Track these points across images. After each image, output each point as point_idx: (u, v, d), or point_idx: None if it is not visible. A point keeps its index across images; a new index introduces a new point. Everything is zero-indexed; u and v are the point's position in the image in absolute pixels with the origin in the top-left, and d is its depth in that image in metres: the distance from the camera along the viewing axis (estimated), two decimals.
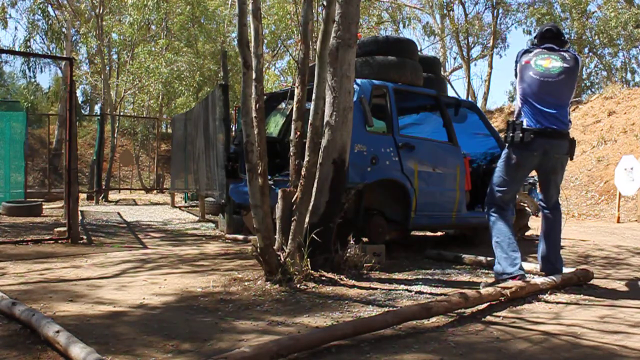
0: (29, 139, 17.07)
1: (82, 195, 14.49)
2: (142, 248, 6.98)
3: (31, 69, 27.06)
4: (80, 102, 30.42)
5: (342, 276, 5.00)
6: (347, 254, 5.34)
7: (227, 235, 7.92)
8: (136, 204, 15.54)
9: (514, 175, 4.90)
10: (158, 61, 21.38)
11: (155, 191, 20.18)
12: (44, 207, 11.48)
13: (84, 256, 6.22)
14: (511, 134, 4.73)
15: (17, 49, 24.60)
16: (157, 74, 21.24)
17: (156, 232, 8.77)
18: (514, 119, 4.82)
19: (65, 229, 7.31)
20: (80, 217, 8.38)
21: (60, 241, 7.15)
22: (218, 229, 8.90)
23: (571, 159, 4.94)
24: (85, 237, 7.46)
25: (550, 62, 4.74)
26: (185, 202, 14.99)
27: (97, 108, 32.76)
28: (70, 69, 7.31)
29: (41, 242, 7.13)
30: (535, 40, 4.98)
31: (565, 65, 4.73)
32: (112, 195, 17.79)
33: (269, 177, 4.94)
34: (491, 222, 4.92)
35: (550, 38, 4.92)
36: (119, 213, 11.70)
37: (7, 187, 12.86)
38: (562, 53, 4.81)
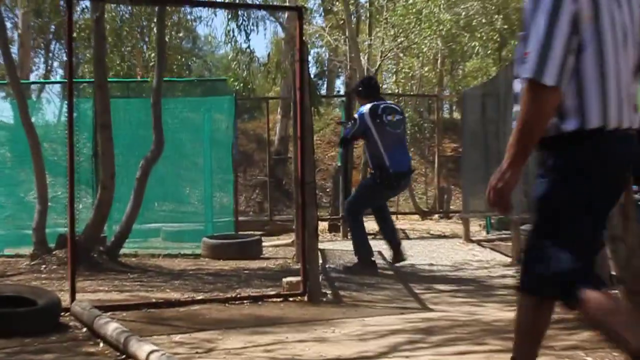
0: (239, 137, 12.80)
1: (323, 225, 11.28)
2: (422, 309, 5.51)
3: (241, 27, 23.14)
4: (312, 77, 22.17)
5: None
6: None
7: None
8: (407, 237, 11.85)
9: None
10: (434, 3, 14.65)
11: (436, 216, 15.15)
12: (263, 244, 9.10)
13: (329, 323, 4.96)
14: None
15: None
16: (434, 23, 14.80)
17: (442, 282, 6.94)
18: None
19: (298, 278, 5.88)
20: (320, 260, 6.74)
21: (291, 298, 5.83)
22: None
23: None
24: (329, 291, 6.01)
25: None
26: (488, 232, 11.17)
27: (338, 83, 26.37)
28: (300, 24, 5.85)
29: (263, 300, 5.79)
30: None
31: None
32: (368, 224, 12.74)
33: None
34: None
35: None
36: (380, 252, 8.65)
37: (209, 213, 9.53)
38: None
